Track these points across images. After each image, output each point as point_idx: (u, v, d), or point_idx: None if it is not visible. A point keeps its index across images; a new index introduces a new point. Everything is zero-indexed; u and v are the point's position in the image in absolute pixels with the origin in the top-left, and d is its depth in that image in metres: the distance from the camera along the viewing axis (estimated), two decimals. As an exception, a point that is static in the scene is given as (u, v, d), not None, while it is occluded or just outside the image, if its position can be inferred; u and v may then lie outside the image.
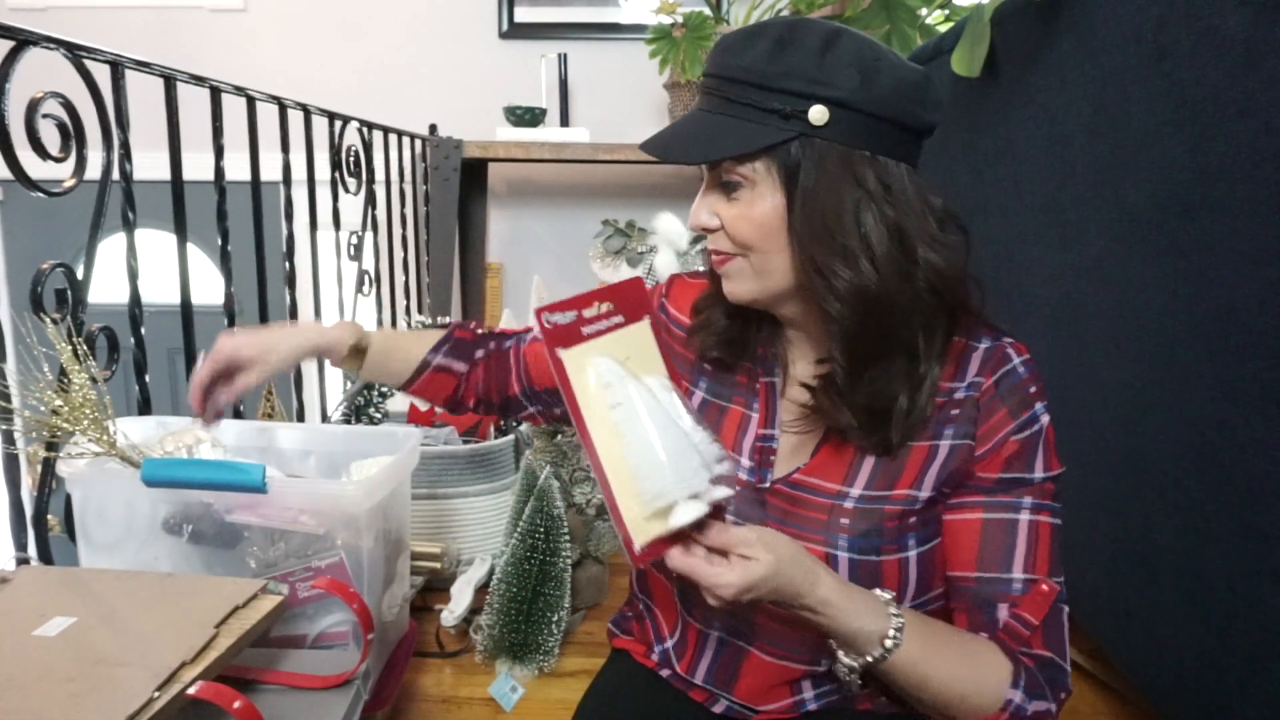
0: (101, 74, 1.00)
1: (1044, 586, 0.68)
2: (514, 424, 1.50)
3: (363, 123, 1.87)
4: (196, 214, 1.21)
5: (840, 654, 0.67)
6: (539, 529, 1.13)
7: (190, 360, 1.19)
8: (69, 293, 0.95)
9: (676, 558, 0.61)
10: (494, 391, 0.97)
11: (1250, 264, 0.70)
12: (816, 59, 0.64)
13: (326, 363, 1.70)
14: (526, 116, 2.35)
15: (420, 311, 2.40)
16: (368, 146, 1.90)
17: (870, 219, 0.65)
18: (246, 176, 1.35)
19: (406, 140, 2.27)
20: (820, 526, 0.72)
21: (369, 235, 1.96)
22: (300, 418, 1.55)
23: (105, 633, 0.68)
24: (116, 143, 1.04)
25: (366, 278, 1.94)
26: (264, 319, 1.43)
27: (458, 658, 1.17)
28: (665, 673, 0.86)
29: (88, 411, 0.84)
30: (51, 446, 0.87)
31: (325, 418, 1.73)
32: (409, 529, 1.06)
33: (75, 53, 0.96)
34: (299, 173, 1.49)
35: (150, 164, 1.16)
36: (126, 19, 2.58)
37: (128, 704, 0.58)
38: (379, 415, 1.60)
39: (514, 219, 2.71)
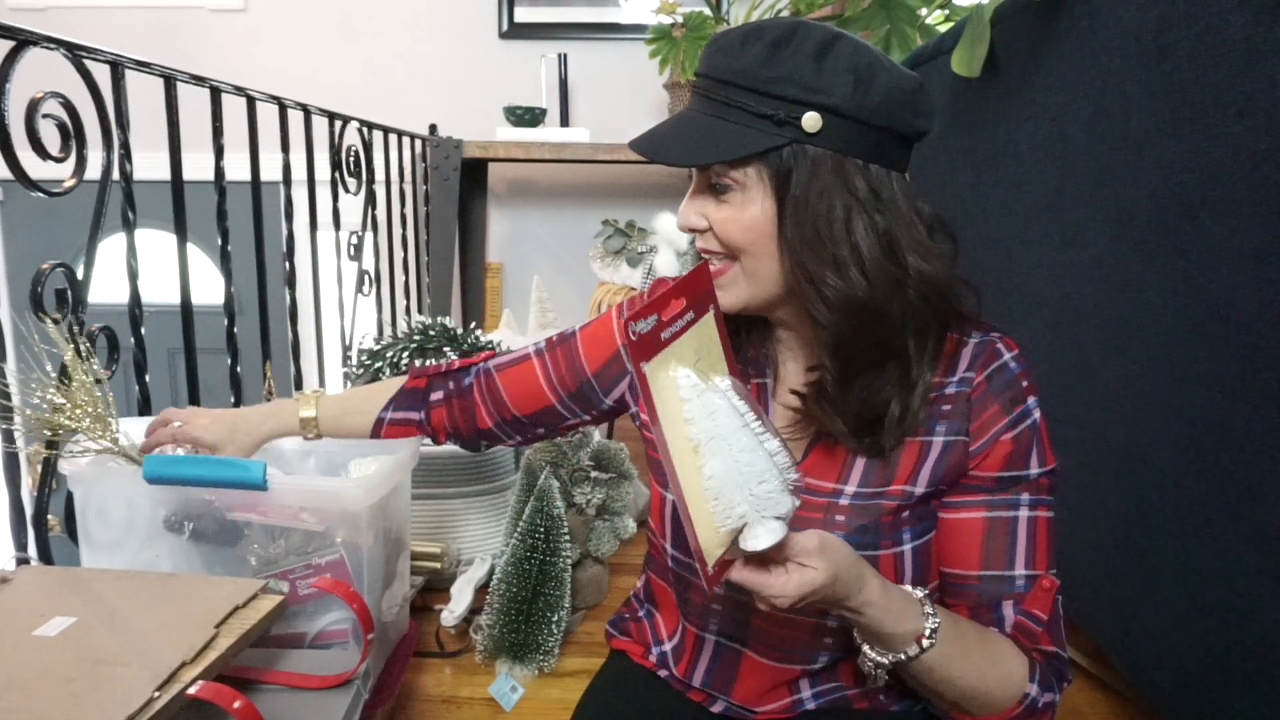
0: (101, 74, 1.00)
1: (1045, 582, 0.69)
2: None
3: (363, 123, 1.87)
4: (196, 214, 1.21)
5: (866, 649, 0.67)
6: (539, 529, 1.13)
7: (190, 360, 1.19)
8: (69, 293, 0.95)
9: (735, 570, 0.60)
10: (462, 428, 0.96)
11: (1250, 264, 0.70)
12: (812, 64, 0.64)
13: (326, 363, 1.72)
14: (526, 116, 2.35)
15: (420, 311, 2.41)
16: (368, 146, 1.90)
17: (860, 227, 0.65)
18: (246, 176, 1.35)
19: (406, 140, 2.27)
20: (817, 524, 0.72)
21: (369, 235, 1.96)
22: (300, 418, 1.55)
23: (105, 633, 0.68)
24: (116, 143, 1.04)
25: (366, 278, 1.94)
26: (264, 319, 1.43)
27: (458, 658, 1.17)
28: (663, 673, 0.86)
29: (90, 410, 0.84)
30: (52, 446, 0.87)
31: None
32: (409, 529, 1.06)
33: (75, 53, 0.96)
34: (299, 173, 1.49)
35: (150, 164, 1.16)
36: (126, 19, 2.58)
37: (128, 704, 0.58)
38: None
39: (514, 219, 2.71)
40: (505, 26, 2.57)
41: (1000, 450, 0.70)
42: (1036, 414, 0.70)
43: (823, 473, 0.74)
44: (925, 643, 0.64)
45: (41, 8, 2.57)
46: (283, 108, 1.44)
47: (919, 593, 0.66)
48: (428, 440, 1.00)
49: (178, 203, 1.17)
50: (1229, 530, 0.77)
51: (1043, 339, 1.08)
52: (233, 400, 1.31)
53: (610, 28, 2.54)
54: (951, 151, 1.33)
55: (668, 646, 0.86)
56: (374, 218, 1.97)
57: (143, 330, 1.10)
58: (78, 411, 0.84)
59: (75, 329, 0.95)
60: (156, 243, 1.76)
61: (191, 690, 0.61)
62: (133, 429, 0.93)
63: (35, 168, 0.89)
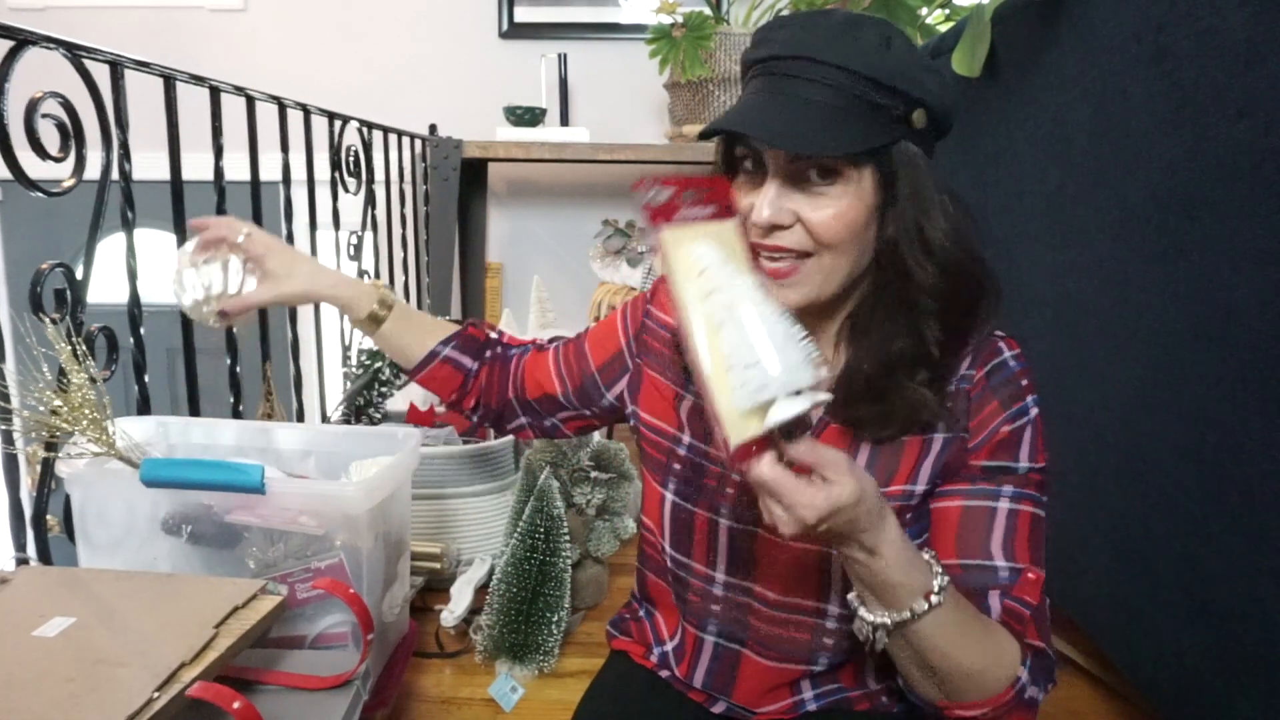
0: (101, 74, 1.00)
1: (1031, 574, 0.68)
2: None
3: (362, 123, 1.87)
4: (196, 214, 1.20)
5: (863, 611, 0.63)
6: (539, 529, 1.13)
7: (190, 361, 1.19)
8: (68, 293, 0.95)
9: (765, 467, 0.55)
10: (494, 395, 0.96)
11: (1250, 264, 0.70)
12: (913, 59, 0.64)
13: (326, 363, 1.71)
14: (526, 116, 2.35)
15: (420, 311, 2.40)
16: (367, 146, 1.90)
17: (943, 222, 0.66)
18: (246, 176, 1.35)
19: (406, 140, 2.27)
20: None
21: (369, 235, 1.96)
22: (300, 418, 1.55)
23: (105, 633, 0.68)
24: (116, 143, 1.03)
25: (366, 278, 1.94)
26: (263, 319, 1.43)
27: (458, 658, 1.17)
28: (664, 674, 0.86)
29: (87, 412, 0.84)
30: (51, 447, 0.87)
31: (325, 418, 1.73)
32: (409, 530, 1.06)
33: (75, 52, 0.96)
34: (299, 173, 1.49)
35: (150, 164, 1.16)
36: (126, 19, 2.58)
37: (128, 704, 0.58)
38: (379, 415, 1.60)
39: (514, 219, 2.71)
40: (505, 26, 2.56)
41: (992, 441, 0.70)
42: (1034, 412, 0.70)
43: None
44: (934, 599, 0.60)
45: (40, 8, 2.57)
46: (282, 108, 1.44)
47: (927, 553, 0.64)
48: (428, 439, 1.00)
49: (177, 203, 1.17)
50: (1229, 530, 0.77)
51: (1043, 339, 1.08)
52: (232, 401, 1.31)
53: (610, 28, 2.53)
54: (951, 151, 1.33)
55: (669, 647, 0.86)
56: (374, 218, 1.97)
57: (142, 330, 1.10)
58: (75, 413, 0.84)
59: (74, 329, 0.94)
60: (156, 243, 1.76)
61: (191, 690, 0.61)
62: (132, 429, 0.93)
63: (34, 167, 0.89)
